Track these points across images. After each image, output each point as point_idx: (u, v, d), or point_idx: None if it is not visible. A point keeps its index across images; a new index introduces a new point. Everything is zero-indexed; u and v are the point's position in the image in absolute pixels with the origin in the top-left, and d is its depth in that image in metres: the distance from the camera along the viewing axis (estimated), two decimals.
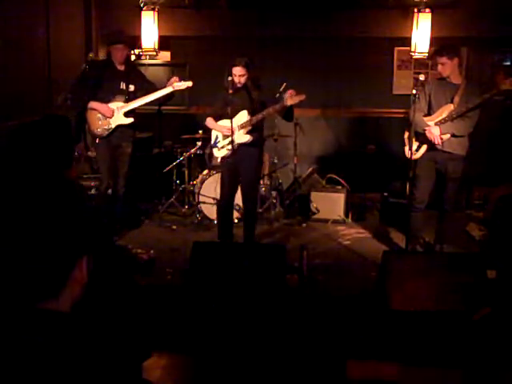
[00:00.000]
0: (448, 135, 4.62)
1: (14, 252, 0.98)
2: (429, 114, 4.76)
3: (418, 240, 5.01)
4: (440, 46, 4.87)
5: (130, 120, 5.22)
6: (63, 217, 1.03)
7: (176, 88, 5.17)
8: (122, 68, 5.22)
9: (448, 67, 4.59)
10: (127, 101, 5.19)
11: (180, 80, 5.20)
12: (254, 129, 4.78)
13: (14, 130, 2.14)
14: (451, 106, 4.62)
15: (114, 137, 5.22)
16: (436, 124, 4.65)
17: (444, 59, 4.59)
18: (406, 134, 4.80)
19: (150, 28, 6.56)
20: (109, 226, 4.89)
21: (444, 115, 4.63)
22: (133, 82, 5.26)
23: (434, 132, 4.62)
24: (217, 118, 4.91)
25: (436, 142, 4.63)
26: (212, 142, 5.04)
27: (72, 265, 1.04)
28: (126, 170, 5.38)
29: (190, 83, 5.19)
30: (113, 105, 5.16)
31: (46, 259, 1.00)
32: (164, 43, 6.85)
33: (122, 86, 5.20)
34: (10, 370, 0.95)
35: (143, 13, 6.54)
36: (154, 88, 5.28)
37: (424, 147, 4.74)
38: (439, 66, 4.65)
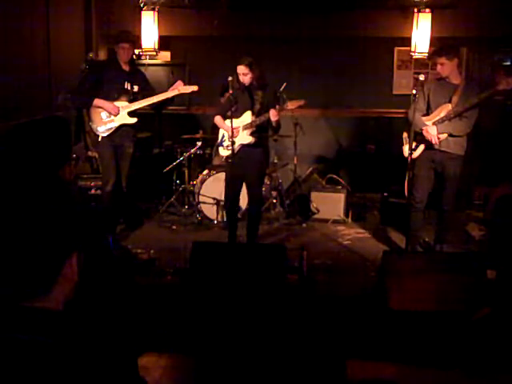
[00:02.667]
0: (445, 135, 4.63)
1: (4, 248, 0.99)
2: (427, 113, 4.76)
3: (418, 240, 5.01)
4: (439, 46, 4.87)
5: (134, 120, 5.22)
6: (53, 214, 1.03)
7: (182, 91, 5.18)
8: (126, 68, 5.23)
9: (447, 67, 4.59)
10: (131, 101, 5.20)
11: (184, 84, 5.23)
12: (258, 130, 4.79)
13: (11, 129, 2.15)
14: (449, 106, 4.62)
15: (116, 136, 5.22)
16: (434, 123, 4.66)
17: (443, 59, 4.58)
18: (405, 134, 4.81)
19: (150, 28, 6.56)
20: (102, 225, 4.88)
21: (442, 115, 4.64)
22: (137, 83, 5.27)
23: (431, 131, 4.62)
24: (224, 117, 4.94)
25: (433, 142, 4.63)
26: (219, 140, 5.07)
27: (62, 262, 1.05)
28: (127, 170, 5.38)
29: (195, 87, 5.20)
30: (118, 103, 5.16)
31: (36, 255, 1.00)
32: (164, 43, 6.85)
33: (127, 86, 5.20)
34: (3, 368, 0.95)
35: (143, 13, 6.54)
36: (153, 91, 5.30)
37: (421, 147, 4.75)
38: (438, 66, 4.65)
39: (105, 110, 5.11)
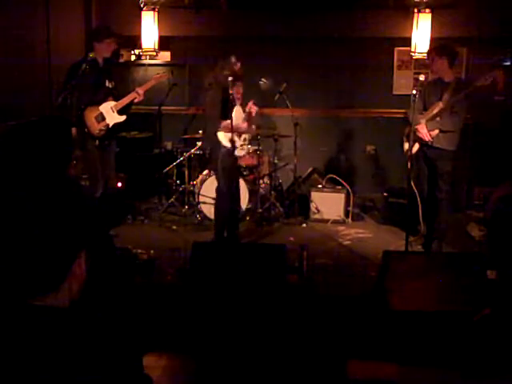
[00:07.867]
0: (436, 131, 4.78)
1: (15, 247, 0.99)
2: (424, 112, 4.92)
3: (444, 233, 5.08)
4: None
5: (124, 117, 5.18)
6: (63, 212, 1.04)
7: (157, 81, 5.41)
8: (102, 64, 5.11)
9: (436, 64, 4.80)
10: (116, 98, 5.16)
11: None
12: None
13: (13, 128, 2.15)
14: (440, 104, 4.77)
15: (106, 136, 5.19)
16: (426, 120, 4.82)
17: (433, 55, 4.79)
18: (406, 131, 4.91)
19: (150, 28, 6.55)
20: (107, 224, 4.89)
21: (434, 112, 4.81)
22: (112, 79, 5.21)
23: (421, 130, 4.79)
24: None
25: (426, 139, 4.80)
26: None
27: (72, 260, 1.05)
28: (114, 164, 5.37)
29: (167, 75, 5.64)
30: (107, 104, 5.10)
31: (47, 253, 1.00)
32: (164, 43, 6.85)
33: (108, 84, 5.15)
34: (9, 366, 0.95)
35: (143, 13, 6.54)
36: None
37: (417, 145, 4.90)
38: (429, 62, 4.90)
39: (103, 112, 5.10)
